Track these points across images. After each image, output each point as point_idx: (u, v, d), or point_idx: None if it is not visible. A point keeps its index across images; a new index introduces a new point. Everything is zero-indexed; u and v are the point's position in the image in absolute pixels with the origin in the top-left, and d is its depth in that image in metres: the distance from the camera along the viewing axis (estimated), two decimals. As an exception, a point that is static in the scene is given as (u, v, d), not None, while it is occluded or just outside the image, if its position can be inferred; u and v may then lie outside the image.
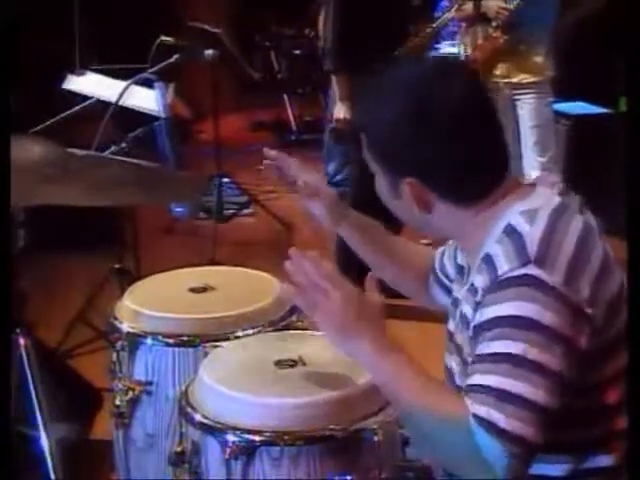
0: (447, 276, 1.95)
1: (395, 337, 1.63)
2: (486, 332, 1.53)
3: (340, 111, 4.14)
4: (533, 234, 1.55)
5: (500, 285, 1.53)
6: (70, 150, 2.08)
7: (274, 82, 6.94)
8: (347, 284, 1.64)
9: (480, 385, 1.50)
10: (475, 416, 1.49)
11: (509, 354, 1.48)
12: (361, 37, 3.91)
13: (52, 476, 2.35)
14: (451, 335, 1.76)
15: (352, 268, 4.10)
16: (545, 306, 1.49)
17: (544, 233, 1.55)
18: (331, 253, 4.22)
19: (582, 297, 1.51)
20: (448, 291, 1.91)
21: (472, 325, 1.60)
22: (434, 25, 4.07)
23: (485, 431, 1.47)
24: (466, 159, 1.61)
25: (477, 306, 1.58)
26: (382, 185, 1.70)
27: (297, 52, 7.55)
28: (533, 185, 1.68)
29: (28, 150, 2.00)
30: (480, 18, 4.22)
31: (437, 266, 1.99)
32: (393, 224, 3.97)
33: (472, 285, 1.64)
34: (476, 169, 1.63)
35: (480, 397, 1.49)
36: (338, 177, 5.89)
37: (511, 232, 1.57)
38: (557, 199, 1.63)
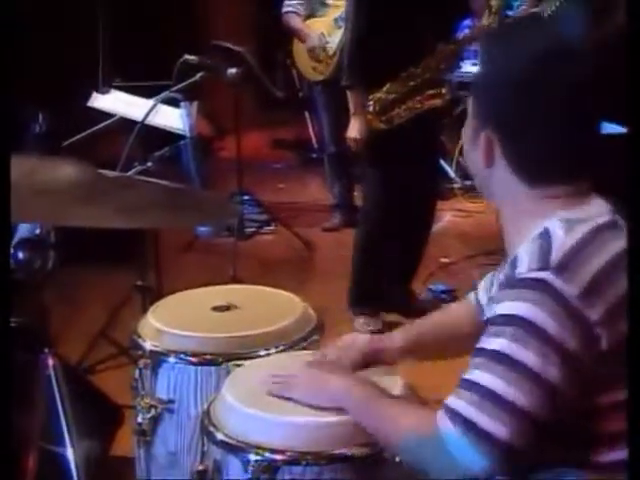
0: None
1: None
2: (490, 327, 1.53)
3: (353, 129, 4.03)
4: (564, 242, 1.53)
5: (514, 284, 1.53)
6: (101, 171, 2.09)
7: (295, 100, 6.95)
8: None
9: (471, 381, 1.51)
10: (453, 412, 1.50)
11: (505, 355, 1.48)
12: (377, 53, 3.84)
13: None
14: None
15: (369, 287, 4.07)
16: (552, 315, 1.47)
17: (576, 244, 1.53)
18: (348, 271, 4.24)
19: (595, 317, 1.48)
20: None
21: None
22: (453, 44, 4.02)
23: (461, 431, 1.49)
24: (553, 138, 1.59)
25: (489, 301, 1.60)
26: (467, 134, 1.70)
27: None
28: (589, 195, 1.64)
29: (60, 171, 2.00)
30: None
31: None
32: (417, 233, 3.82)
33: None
34: (557, 150, 1.60)
35: (466, 394, 1.51)
36: (345, 200, 5.87)
37: (544, 235, 1.55)
38: (608, 216, 1.60)
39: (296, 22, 5.62)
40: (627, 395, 1.49)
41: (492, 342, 1.51)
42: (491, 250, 4.55)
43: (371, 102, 3.91)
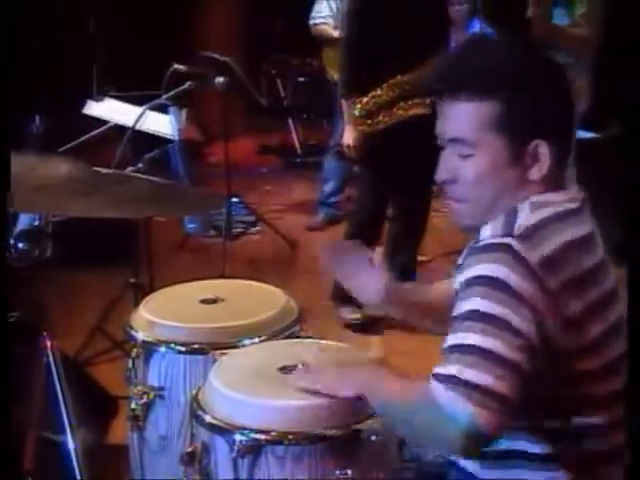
0: None
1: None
2: (461, 294, 1.58)
3: (346, 137, 4.14)
4: (528, 219, 1.60)
5: (478, 249, 1.59)
6: (95, 168, 2.20)
7: (280, 108, 7.06)
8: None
9: (450, 345, 1.54)
10: (442, 376, 1.51)
11: (478, 311, 1.52)
12: (369, 64, 3.93)
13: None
14: None
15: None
16: (516, 272, 1.53)
17: (539, 221, 1.60)
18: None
19: (553, 286, 1.55)
20: None
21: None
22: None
23: (454, 391, 1.49)
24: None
25: (456, 271, 1.65)
26: (485, 159, 1.66)
27: (302, 79, 7.70)
28: (563, 185, 1.71)
29: (58, 168, 2.12)
30: None
31: None
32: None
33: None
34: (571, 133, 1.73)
35: (451, 357, 1.52)
36: (332, 199, 6.01)
37: (511, 212, 1.62)
38: (575, 204, 1.67)
39: (328, 31, 5.75)
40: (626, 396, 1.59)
41: (463, 305, 1.55)
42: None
43: (358, 106, 4.00)
